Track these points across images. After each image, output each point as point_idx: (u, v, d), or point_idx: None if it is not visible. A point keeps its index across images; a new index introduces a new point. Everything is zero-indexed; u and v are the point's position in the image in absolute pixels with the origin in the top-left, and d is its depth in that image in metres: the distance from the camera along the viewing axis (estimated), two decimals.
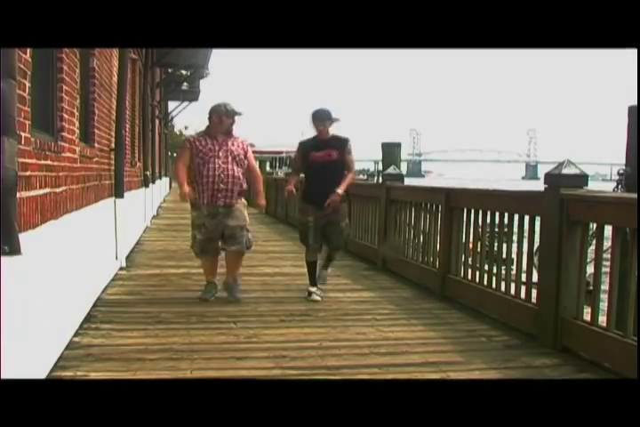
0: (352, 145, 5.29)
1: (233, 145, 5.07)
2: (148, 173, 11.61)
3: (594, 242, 4.04)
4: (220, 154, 5.00)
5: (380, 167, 11.70)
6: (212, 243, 5.04)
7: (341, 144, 5.22)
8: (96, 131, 5.62)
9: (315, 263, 5.38)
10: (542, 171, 5.13)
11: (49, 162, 3.43)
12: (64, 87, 3.99)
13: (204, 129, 5.21)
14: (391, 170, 7.34)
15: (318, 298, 5.15)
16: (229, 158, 5.02)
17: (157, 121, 17.24)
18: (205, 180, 4.95)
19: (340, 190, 5.08)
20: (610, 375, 3.37)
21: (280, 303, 4.94)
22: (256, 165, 5.41)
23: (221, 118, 5.01)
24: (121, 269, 6.45)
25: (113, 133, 6.59)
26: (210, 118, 5.09)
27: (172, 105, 25.24)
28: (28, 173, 2.91)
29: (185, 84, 22.44)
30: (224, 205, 4.97)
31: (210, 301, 5.03)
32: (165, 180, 22.75)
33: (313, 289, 5.23)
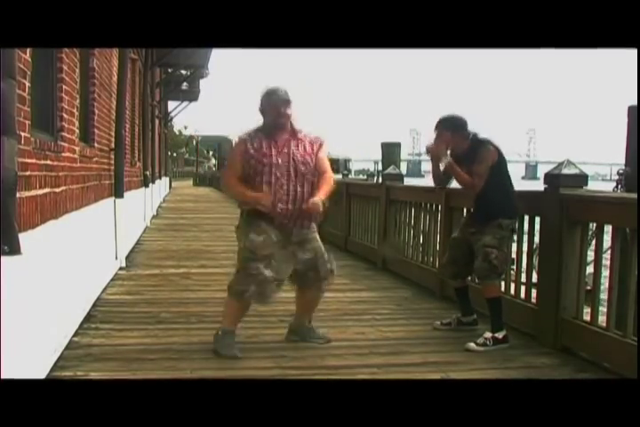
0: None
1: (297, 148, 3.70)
2: (147, 172, 11.61)
3: (594, 242, 4.04)
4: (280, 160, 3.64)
5: (380, 167, 11.70)
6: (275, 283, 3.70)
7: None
8: (96, 131, 5.62)
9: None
10: (542, 171, 5.12)
11: (49, 162, 3.43)
12: (64, 87, 3.99)
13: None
14: (391, 170, 7.34)
15: None
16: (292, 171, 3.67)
17: (157, 121, 17.26)
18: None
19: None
20: (610, 375, 3.37)
21: (280, 303, 4.92)
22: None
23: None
24: (121, 269, 6.45)
25: (113, 133, 6.59)
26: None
27: (171, 105, 25.28)
28: (27, 173, 2.91)
29: (185, 83, 22.51)
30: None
31: (209, 301, 5.00)
32: (165, 179, 22.74)
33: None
